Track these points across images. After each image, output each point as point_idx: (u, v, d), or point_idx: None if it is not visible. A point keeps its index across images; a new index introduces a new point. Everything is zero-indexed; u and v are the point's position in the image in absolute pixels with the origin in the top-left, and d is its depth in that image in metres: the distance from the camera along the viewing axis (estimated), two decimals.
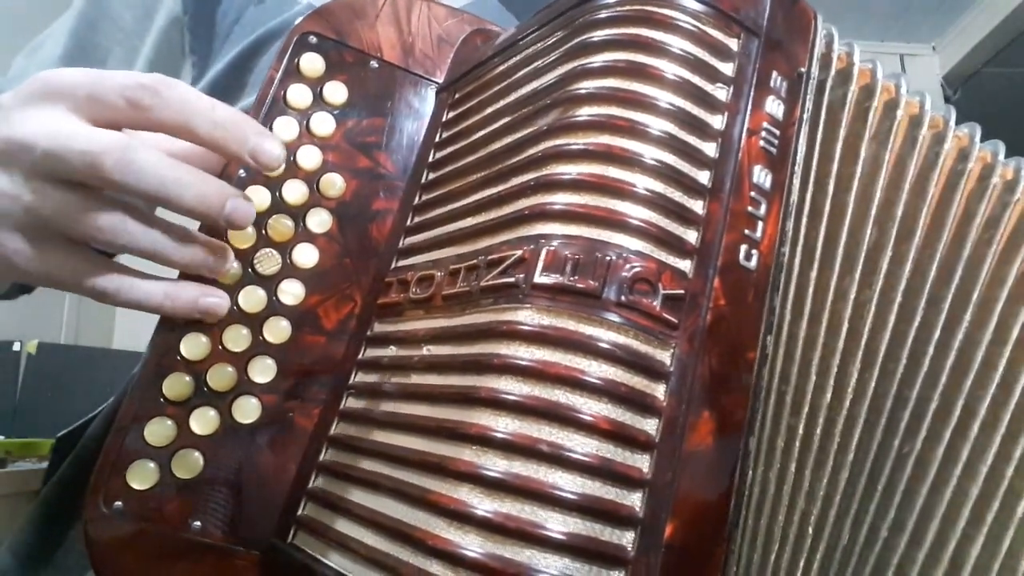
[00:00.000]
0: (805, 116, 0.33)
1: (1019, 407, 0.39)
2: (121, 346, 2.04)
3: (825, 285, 0.35)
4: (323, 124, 0.43)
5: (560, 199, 0.30)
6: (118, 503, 0.36)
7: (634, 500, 0.26)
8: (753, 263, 0.30)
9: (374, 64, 0.45)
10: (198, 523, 0.37)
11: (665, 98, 0.30)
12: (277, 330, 0.40)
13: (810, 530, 0.35)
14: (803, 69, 0.34)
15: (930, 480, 0.38)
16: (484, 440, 0.27)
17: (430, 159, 0.42)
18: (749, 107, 0.31)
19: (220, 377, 0.38)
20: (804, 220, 0.33)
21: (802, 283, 0.33)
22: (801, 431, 0.34)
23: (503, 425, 0.27)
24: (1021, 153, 0.41)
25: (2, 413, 1.53)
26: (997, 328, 0.39)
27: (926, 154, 0.39)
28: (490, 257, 0.31)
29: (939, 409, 0.39)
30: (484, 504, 0.26)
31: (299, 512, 0.36)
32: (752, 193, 0.31)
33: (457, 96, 0.43)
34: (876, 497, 0.38)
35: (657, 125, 0.30)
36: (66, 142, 0.32)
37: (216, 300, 0.38)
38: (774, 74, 0.33)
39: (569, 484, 0.26)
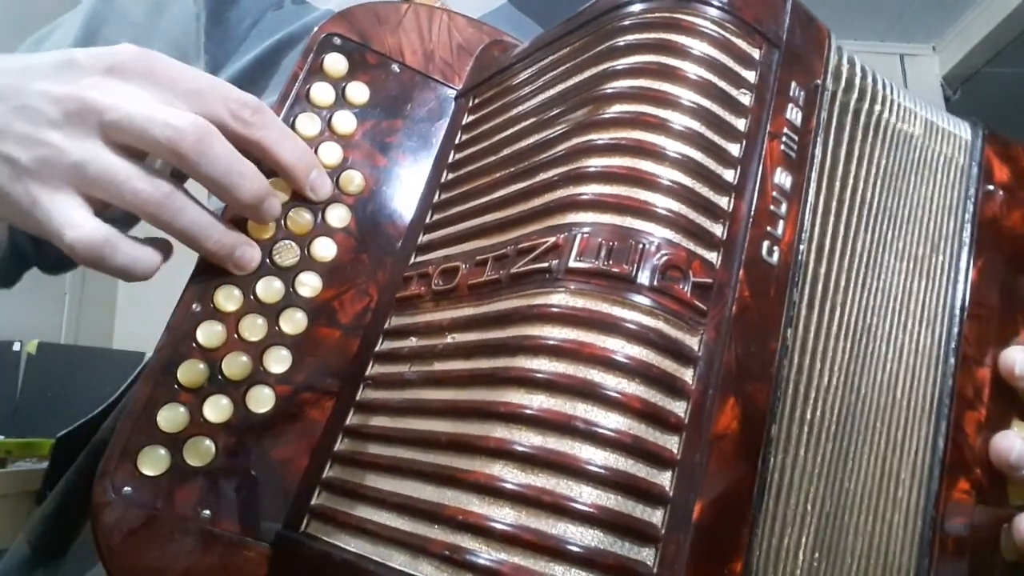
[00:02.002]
0: (821, 125, 0.35)
1: None
2: (121, 346, 2.02)
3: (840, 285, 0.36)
4: (345, 122, 0.44)
5: (591, 189, 0.31)
6: (127, 489, 0.35)
7: (664, 479, 0.27)
8: (775, 259, 0.31)
9: (395, 68, 0.46)
10: (208, 512, 0.36)
11: (692, 98, 0.32)
12: (293, 321, 0.40)
13: None
14: (819, 81, 0.35)
15: None
16: (516, 417, 0.27)
17: (449, 160, 0.43)
18: (771, 112, 0.33)
19: (235, 366, 0.38)
20: (818, 222, 0.34)
21: (816, 281, 0.35)
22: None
23: (536, 402, 0.27)
24: None
25: (2, 413, 1.50)
26: None
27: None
28: (520, 246, 0.32)
29: None
30: (517, 478, 0.26)
31: (312, 501, 0.36)
32: (774, 193, 0.32)
33: (477, 101, 0.44)
34: None
35: (685, 123, 0.31)
36: (152, 114, 0.34)
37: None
38: (793, 84, 0.34)
39: (602, 460, 0.26)
